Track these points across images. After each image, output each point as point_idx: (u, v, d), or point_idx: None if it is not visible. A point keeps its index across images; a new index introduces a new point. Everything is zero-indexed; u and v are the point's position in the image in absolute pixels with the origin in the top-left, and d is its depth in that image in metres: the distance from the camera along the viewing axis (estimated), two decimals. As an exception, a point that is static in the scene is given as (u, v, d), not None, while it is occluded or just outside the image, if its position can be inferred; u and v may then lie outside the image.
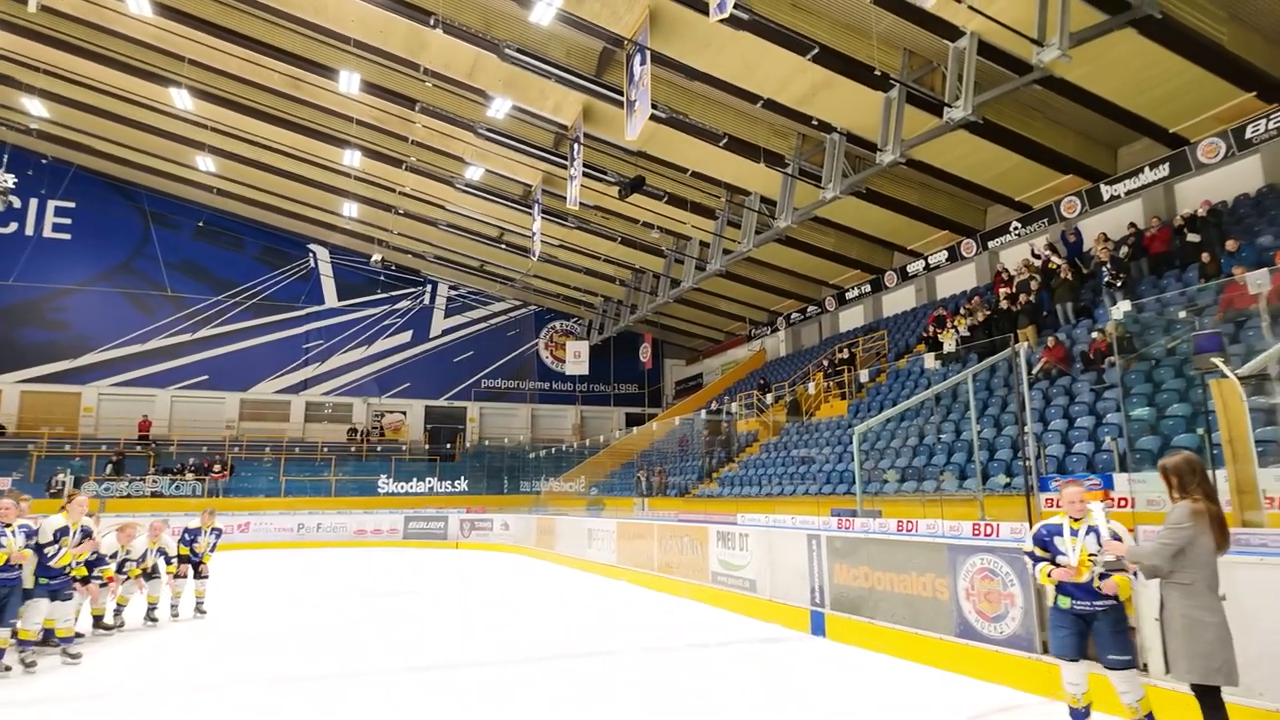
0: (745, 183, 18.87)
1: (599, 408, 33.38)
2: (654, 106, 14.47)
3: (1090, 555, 4.02)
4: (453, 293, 31.75)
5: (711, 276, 21.98)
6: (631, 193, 18.16)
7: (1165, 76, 12.70)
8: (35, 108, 22.14)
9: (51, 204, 26.36)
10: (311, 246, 29.73)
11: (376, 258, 28.22)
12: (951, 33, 12.79)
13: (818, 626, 7.35)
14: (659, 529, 11.35)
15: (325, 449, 26.83)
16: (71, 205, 26.66)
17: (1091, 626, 4.07)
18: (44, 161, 25.22)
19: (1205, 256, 11.27)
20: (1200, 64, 12.23)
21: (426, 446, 29.07)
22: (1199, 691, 3.51)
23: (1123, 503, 7.29)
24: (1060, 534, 4.14)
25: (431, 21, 14.47)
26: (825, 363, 19.74)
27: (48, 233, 26.48)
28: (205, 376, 27.60)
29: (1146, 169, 15.00)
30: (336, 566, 15.71)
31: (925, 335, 16.60)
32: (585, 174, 18.15)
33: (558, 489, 24.71)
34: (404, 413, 30.23)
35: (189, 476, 22.47)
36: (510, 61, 15.20)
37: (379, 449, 28.14)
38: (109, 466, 22.43)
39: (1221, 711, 3.49)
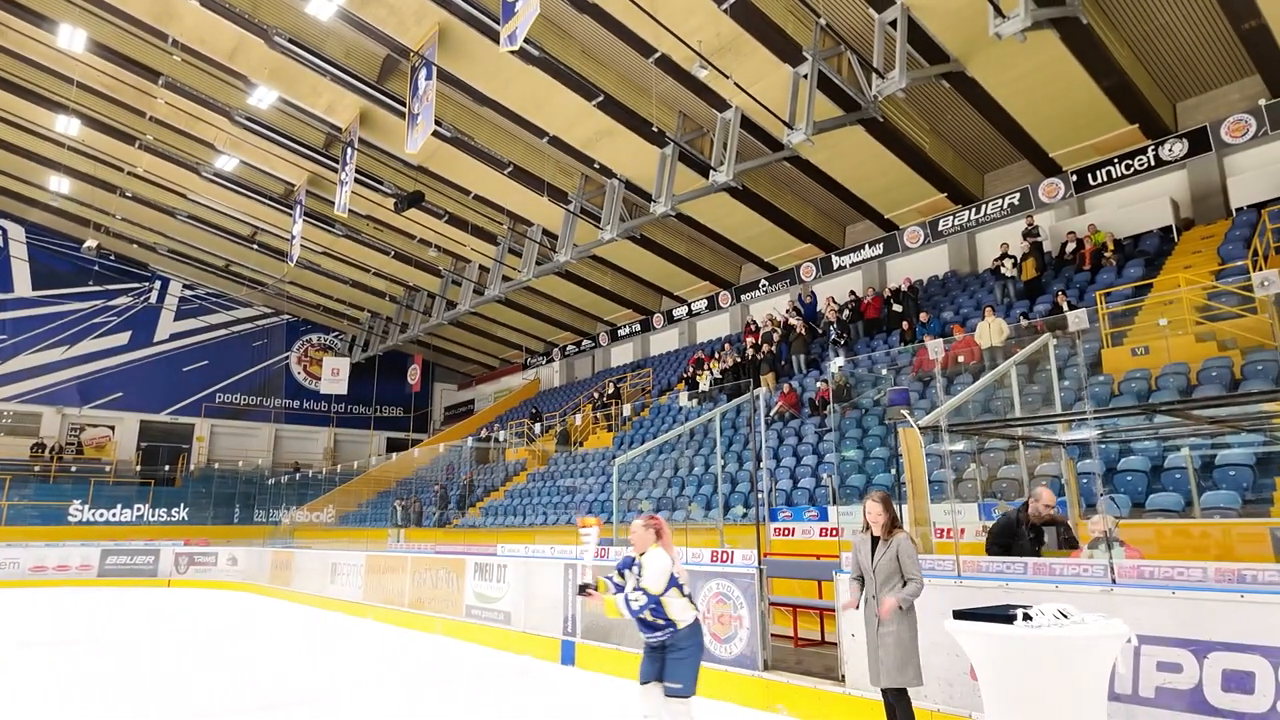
0: (529, 213, 19.08)
1: (357, 430, 31.16)
2: (438, 124, 14.18)
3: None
4: (188, 293, 27.91)
5: (490, 302, 21.77)
6: (409, 207, 17.50)
7: (883, 170, 15.13)
8: None
9: None
10: (2, 224, 24.50)
11: (91, 244, 23.95)
12: (720, 104, 14.17)
13: (568, 656, 7.47)
14: (413, 561, 10.81)
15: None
16: None
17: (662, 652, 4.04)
18: None
19: (905, 324, 13.50)
20: (909, 164, 14.77)
21: (138, 468, 24.85)
22: (895, 695, 4.16)
23: (834, 532, 8.41)
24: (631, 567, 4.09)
25: (184, -12, 12.95)
26: (595, 395, 20.38)
27: None
28: None
29: (866, 246, 17.66)
30: (-2, 613, 12.74)
31: (685, 375, 17.87)
32: (358, 181, 17.17)
33: (302, 519, 22.52)
34: (112, 427, 25.75)
35: None
36: (279, 50, 14.04)
37: (73, 469, 23.47)
38: None
39: (910, 708, 4.17)
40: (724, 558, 6.12)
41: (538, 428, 20.98)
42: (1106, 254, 12.26)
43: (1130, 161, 13.48)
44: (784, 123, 12.83)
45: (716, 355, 17.32)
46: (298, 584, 14.44)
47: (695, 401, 15.84)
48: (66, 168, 20.59)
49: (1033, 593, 4.07)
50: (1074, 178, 14.17)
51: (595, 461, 16.69)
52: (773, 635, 6.01)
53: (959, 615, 3.51)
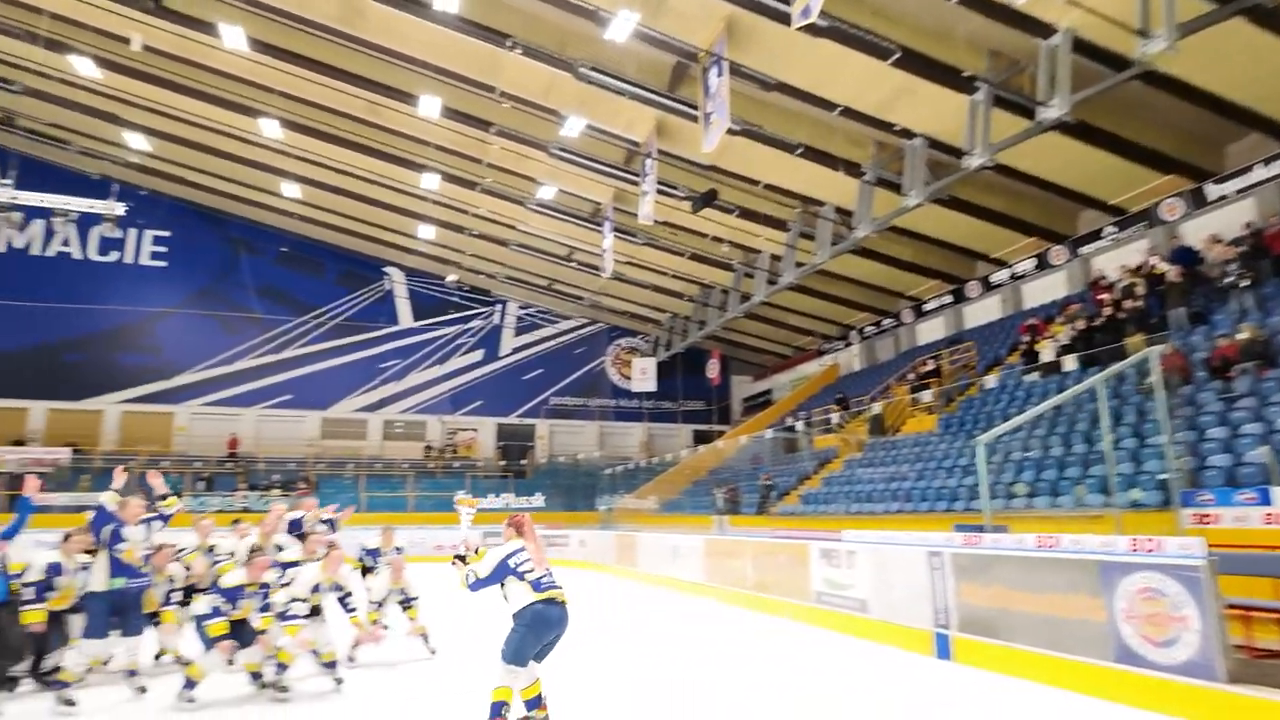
0: (820, 193, 18.56)
1: (666, 425, 33.19)
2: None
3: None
4: (522, 311, 32.19)
5: (782, 290, 21.66)
6: (703, 207, 18.07)
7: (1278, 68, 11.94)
8: (136, 142, 23.49)
9: (149, 233, 27.89)
10: (387, 269, 30.62)
11: (452, 278, 28.89)
12: (1043, 30, 12.35)
13: (943, 649, 6.96)
14: (753, 545, 11.06)
15: (406, 465, 27.49)
16: (167, 234, 28.13)
17: None
18: (142, 193, 26.62)
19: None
20: (1322, 50, 11.46)
21: (502, 463, 29.40)
22: None
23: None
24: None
25: (508, 44, 14.74)
26: (912, 374, 19.08)
27: (144, 260, 27.99)
28: (289, 396, 28.60)
29: (1260, 165, 14.08)
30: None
31: (1019, 346, 15.90)
32: (657, 190, 18.14)
33: (630, 505, 24.56)
34: (476, 430, 30.67)
35: (276, 493, 23.18)
36: (584, 80, 15.34)
37: (454, 465, 28.65)
38: (201, 483, 23.37)
39: None
40: (1149, 547, 5.16)
41: (844, 414, 20.29)
42: None
43: None
44: (1135, 33, 10.77)
45: (1059, 319, 15.13)
46: (642, 564, 15.69)
47: (1040, 374, 14.00)
48: (430, 217, 24.90)
49: None
50: None
51: (912, 447, 15.59)
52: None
53: None
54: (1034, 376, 14.44)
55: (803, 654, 7.80)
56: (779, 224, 20.12)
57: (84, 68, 18.64)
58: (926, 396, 17.06)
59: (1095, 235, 17.51)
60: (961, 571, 6.89)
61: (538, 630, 4.71)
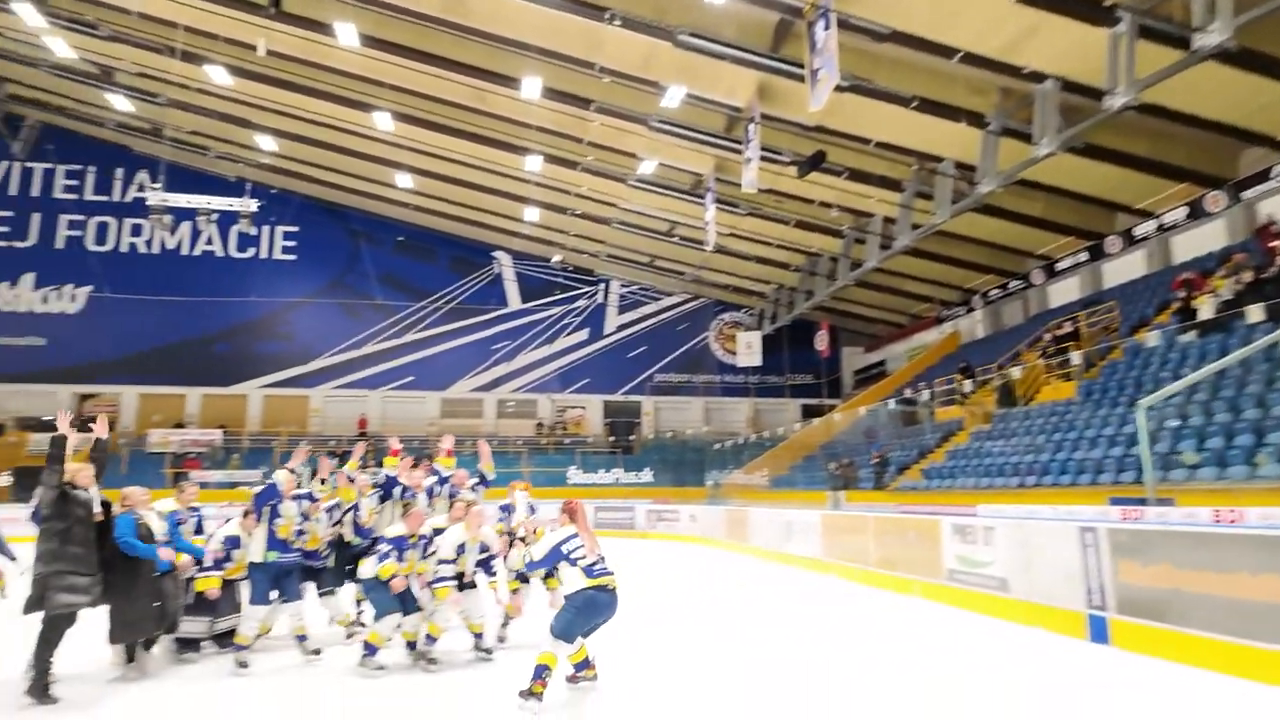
0: (938, 148, 17.42)
1: (773, 399, 32.60)
2: (838, 72, 13.64)
3: None
4: (624, 290, 32.38)
5: (897, 255, 20.62)
6: (811, 170, 17.38)
7: None
8: (266, 144, 25.16)
9: (280, 229, 30.02)
10: (495, 253, 31.55)
11: (557, 258, 29.41)
12: (1202, -55, 10.93)
13: (1098, 633, 6.37)
14: (874, 521, 10.59)
15: (520, 442, 28.45)
16: (295, 230, 30.19)
17: None
18: (272, 192, 28.60)
19: None
20: None
21: (610, 439, 29.88)
22: None
23: None
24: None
25: (607, 17, 14.60)
26: (1048, 336, 17.65)
27: (277, 255, 30.18)
28: (410, 378, 30.21)
29: None
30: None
31: (1177, 302, 14.35)
32: (761, 156, 17.56)
33: (739, 481, 24.31)
34: (583, 408, 31.25)
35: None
36: (684, 47, 14.98)
37: (565, 442, 29.39)
38: (336, 460, 24.97)
39: None
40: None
41: (970, 384, 19.11)
42: None
43: None
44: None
45: (1220, 273, 13.55)
46: (754, 540, 15.45)
47: (1197, 333, 12.59)
48: (534, 200, 25.32)
49: None
50: None
51: (1048, 417, 14.43)
52: None
53: None
54: (1190, 336, 13.00)
55: (936, 632, 7.39)
56: (892, 184, 19.07)
57: (217, 76, 20.04)
58: (1075, 359, 15.49)
59: (1262, 176, 15.55)
60: (1119, 549, 6.26)
61: (588, 613, 5.04)
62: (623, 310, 32.30)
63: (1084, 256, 20.34)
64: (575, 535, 5.22)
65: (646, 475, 26.24)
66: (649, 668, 6.13)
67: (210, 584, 6.29)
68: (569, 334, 31.72)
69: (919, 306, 28.18)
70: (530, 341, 31.42)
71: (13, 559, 6.33)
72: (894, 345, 30.03)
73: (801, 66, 14.41)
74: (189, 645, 6.43)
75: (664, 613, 8.78)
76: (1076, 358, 15.53)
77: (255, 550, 6.37)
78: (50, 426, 5.32)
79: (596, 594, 5.04)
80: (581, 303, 32.01)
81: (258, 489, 6.58)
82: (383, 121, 21.17)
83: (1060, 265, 21.19)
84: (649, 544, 20.45)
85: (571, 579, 5.13)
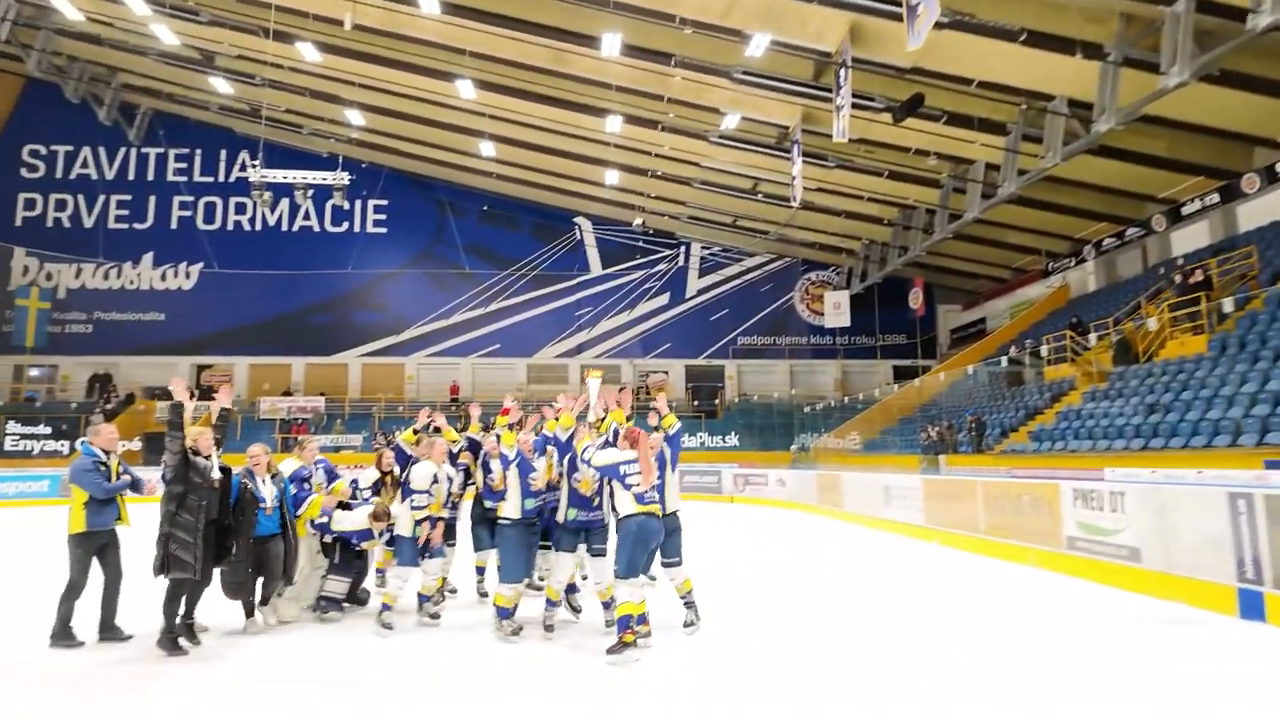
0: (1048, 85, 16.07)
1: (863, 361, 31.53)
2: (939, 7, 12.63)
3: None
4: (705, 252, 31.79)
5: (1000, 203, 19.31)
6: (907, 115, 16.30)
7: None
8: (355, 119, 25.82)
9: (371, 203, 30.94)
10: (576, 219, 31.54)
11: (637, 221, 29.09)
12: None
13: (1252, 608, 5.76)
14: (983, 485, 10.02)
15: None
16: (385, 203, 31.03)
17: None
18: (363, 166, 29.46)
19: None
20: None
21: (694, 403, 29.67)
22: None
23: None
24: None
25: (689, -36, 14.02)
26: (1177, 279, 16.10)
27: (369, 228, 31.16)
28: (497, 345, 30.82)
29: None
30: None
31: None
32: (852, 102, 16.64)
33: (830, 445, 23.70)
34: (666, 372, 31.09)
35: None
36: (769, -10, 14.26)
37: (649, 406, 29.26)
38: (431, 426, 25.86)
39: None
40: None
41: (1088, 339, 17.79)
42: None
43: None
44: None
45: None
46: (849, 505, 15.02)
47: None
48: (614, 163, 25.04)
49: None
50: None
51: (1175, 375, 13.24)
52: None
53: None
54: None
55: (1062, 604, 6.90)
56: (996, 127, 17.76)
57: (308, 53, 20.58)
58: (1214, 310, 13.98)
59: None
60: (1278, 517, 5.61)
61: (644, 540, 5.36)
62: (704, 273, 31.77)
63: (1215, 198, 18.42)
64: (634, 460, 5.38)
65: (732, 439, 25.95)
66: (759, 629, 5.98)
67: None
68: (650, 298, 31.50)
69: (1023, 259, 26.44)
70: (612, 307, 31.40)
71: (138, 488, 6.12)
72: (995, 301, 28.37)
73: (898, 3, 13.46)
74: (333, 604, 6.61)
75: (770, 577, 8.60)
76: (1147, 325, 14.10)
77: (403, 524, 6.33)
78: (170, 395, 5.53)
79: (647, 520, 5.35)
80: (662, 266, 31.67)
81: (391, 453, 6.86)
82: (465, 90, 21.27)
83: (1186, 209, 19.30)
84: (738, 508, 20.30)
85: (624, 503, 5.41)
